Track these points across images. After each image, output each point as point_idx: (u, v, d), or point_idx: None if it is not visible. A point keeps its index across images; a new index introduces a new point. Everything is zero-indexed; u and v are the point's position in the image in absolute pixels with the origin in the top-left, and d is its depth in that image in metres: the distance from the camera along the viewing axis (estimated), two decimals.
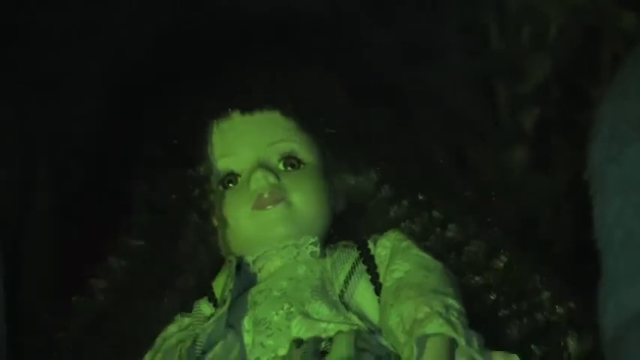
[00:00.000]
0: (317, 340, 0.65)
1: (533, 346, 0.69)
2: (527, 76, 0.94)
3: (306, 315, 0.66)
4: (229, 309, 0.67)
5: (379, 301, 0.68)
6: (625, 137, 0.67)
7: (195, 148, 0.75)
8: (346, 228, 0.77)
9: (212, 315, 0.68)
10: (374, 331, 0.66)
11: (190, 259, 0.75)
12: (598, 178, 0.68)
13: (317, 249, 0.72)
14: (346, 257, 0.72)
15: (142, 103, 0.83)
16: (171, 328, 0.71)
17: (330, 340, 0.64)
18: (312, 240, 0.73)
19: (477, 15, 0.93)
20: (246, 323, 0.68)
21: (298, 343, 0.65)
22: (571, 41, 0.90)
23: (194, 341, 0.65)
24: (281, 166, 0.74)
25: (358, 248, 0.72)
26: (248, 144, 0.74)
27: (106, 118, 0.94)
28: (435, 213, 0.75)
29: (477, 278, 0.72)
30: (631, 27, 0.88)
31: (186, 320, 0.72)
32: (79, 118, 0.94)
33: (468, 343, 0.60)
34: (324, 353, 0.64)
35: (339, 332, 0.65)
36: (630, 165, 0.66)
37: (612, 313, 0.66)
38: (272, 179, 0.71)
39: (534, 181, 0.89)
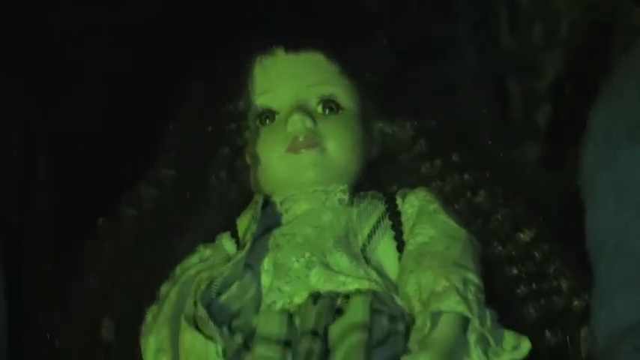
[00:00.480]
0: (333, 297, 0.65)
1: (546, 332, 0.69)
2: (540, 74, 0.94)
3: (327, 266, 0.67)
4: (249, 250, 0.67)
5: (399, 258, 0.69)
6: (617, 143, 0.66)
7: (236, 82, 0.74)
8: (377, 178, 0.77)
9: (232, 257, 0.68)
10: (390, 288, 0.66)
11: (219, 193, 0.76)
12: (590, 182, 0.68)
13: (345, 197, 0.72)
14: (373, 210, 0.72)
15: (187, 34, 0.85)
16: (192, 259, 0.72)
17: (346, 297, 0.65)
18: (341, 187, 0.73)
19: (489, 12, 0.94)
20: (266, 264, 0.69)
21: (315, 298, 0.65)
22: (582, 38, 0.91)
23: (210, 283, 0.65)
24: (319, 109, 0.74)
25: (386, 202, 0.72)
26: (289, 83, 0.75)
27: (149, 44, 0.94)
28: (467, 176, 0.74)
29: (500, 249, 0.72)
30: None
31: (207, 252, 0.73)
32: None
33: (482, 323, 0.61)
34: (339, 310, 0.64)
35: (357, 291, 0.65)
36: (623, 171, 0.66)
37: (605, 322, 0.66)
38: (309, 123, 0.71)
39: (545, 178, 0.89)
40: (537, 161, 0.94)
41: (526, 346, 0.64)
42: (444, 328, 0.61)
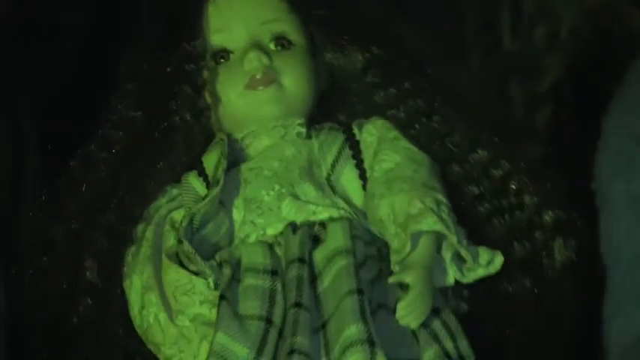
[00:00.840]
0: (310, 225, 0.70)
1: (515, 244, 0.73)
2: (542, 76, 0.99)
3: (295, 196, 0.71)
4: (221, 187, 0.70)
5: (363, 186, 0.73)
6: (632, 153, 0.69)
7: (191, 22, 0.78)
8: (330, 109, 0.81)
9: (207, 194, 0.71)
10: (359, 215, 0.71)
11: (183, 133, 0.78)
12: (605, 191, 0.71)
13: (303, 130, 0.76)
14: (333, 141, 0.76)
15: None
16: (162, 200, 0.75)
17: (322, 224, 0.70)
18: (298, 121, 0.77)
19: (492, 15, 0.99)
20: (236, 200, 0.72)
21: (294, 228, 0.70)
22: (583, 41, 0.95)
23: (191, 219, 0.68)
24: (272, 46, 0.78)
25: (344, 132, 0.77)
26: (242, 21, 0.78)
27: None
28: (421, 102, 0.78)
29: (458, 169, 0.76)
30: None
31: (175, 191, 0.76)
32: None
33: (459, 240, 0.66)
34: (317, 238, 0.69)
35: (331, 219, 0.70)
36: (638, 181, 0.71)
37: (619, 332, 0.69)
38: (265, 60, 0.75)
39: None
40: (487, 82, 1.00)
41: (499, 260, 0.68)
42: (423, 248, 0.66)
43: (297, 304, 0.66)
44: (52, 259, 0.76)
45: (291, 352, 0.63)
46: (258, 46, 0.76)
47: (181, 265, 0.69)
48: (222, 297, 0.67)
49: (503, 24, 0.98)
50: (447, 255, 0.69)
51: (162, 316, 0.70)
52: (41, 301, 0.74)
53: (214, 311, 0.68)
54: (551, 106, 0.98)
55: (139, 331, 0.72)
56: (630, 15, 0.93)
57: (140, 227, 0.75)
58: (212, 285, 0.67)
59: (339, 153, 0.76)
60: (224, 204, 0.72)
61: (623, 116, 0.73)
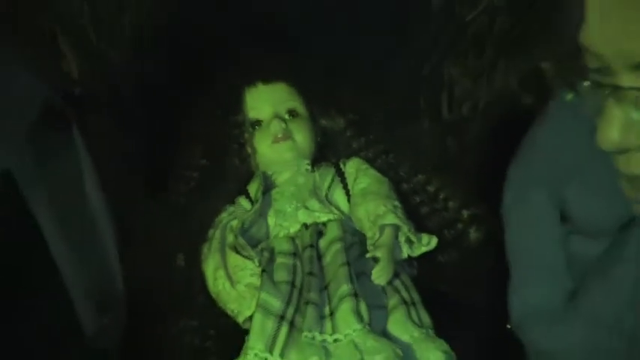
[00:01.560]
0: (316, 224, 1.01)
1: (445, 231, 1.03)
2: (467, 131, 1.28)
3: (307, 208, 1.03)
4: (260, 204, 1.02)
5: (349, 200, 1.05)
6: (525, 194, 0.87)
7: (236, 103, 1.11)
8: (324, 153, 1.13)
9: (251, 209, 1.03)
10: (346, 218, 1.03)
11: (235, 172, 1.11)
12: (507, 216, 0.89)
13: (309, 167, 1.09)
14: (327, 173, 1.10)
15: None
16: (223, 214, 1.08)
17: (324, 224, 1.01)
18: (306, 162, 1.09)
19: (434, 96, 1.30)
20: (270, 212, 1.05)
21: (306, 226, 1.01)
22: (495, 112, 1.22)
23: (242, 224, 1.01)
24: (287, 116, 1.09)
25: (334, 167, 1.10)
26: (268, 102, 1.10)
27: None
28: (381, 147, 1.12)
29: (406, 186, 1.09)
30: None
31: (231, 208, 1.09)
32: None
33: (409, 230, 0.96)
34: (321, 232, 1.00)
35: (330, 220, 1.01)
36: (524, 211, 0.89)
37: (516, 306, 0.87)
38: (283, 125, 1.08)
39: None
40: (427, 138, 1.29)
41: (434, 241, 0.98)
42: (387, 235, 0.96)
43: (310, 273, 0.92)
44: (157, 254, 1.03)
45: (307, 302, 0.88)
46: (278, 117, 1.08)
47: (237, 252, 0.99)
48: (263, 271, 0.94)
49: (443, 101, 1.24)
50: (401, 239, 0.96)
51: (227, 284, 0.98)
52: (153, 278, 1.01)
53: (259, 280, 0.94)
54: (474, 150, 1.25)
55: (213, 295, 1.00)
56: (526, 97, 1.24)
57: (211, 231, 1.06)
58: (257, 264, 0.96)
59: (332, 180, 1.08)
60: (262, 215, 1.04)
61: (520, 167, 0.91)
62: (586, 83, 0.64)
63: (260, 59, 1.12)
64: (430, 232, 0.99)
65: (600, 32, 0.59)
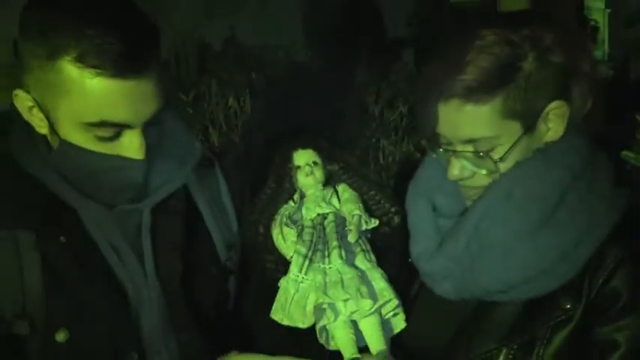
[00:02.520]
0: (324, 214, 1.45)
1: (382, 218, 1.41)
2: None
3: (320, 206, 1.42)
4: (299, 206, 1.42)
5: (339, 202, 1.45)
6: (414, 202, 1.35)
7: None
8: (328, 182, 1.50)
9: (295, 206, 1.49)
10: (338, 211, 1.43)
11: (288, 191, 1.47)
12: (408, 210, 1.35)
13: (322, 187, 1.50)
14: (329, 190, 1.48)
15: None
16: (282, 208, 1.45)
17: (327, 214, 1.45)
18: (320, 186, 1.46)
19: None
20: (303, 208, 1.44)
21: (319, 215, 1.46)
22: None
23: (290, 213, 1.45)
24: (313, 165, 1.46)
25: (333, 188, 1.49)
26: (306, 161, 1.49)
27: None
28: (354, 178, 1.47)
29: (365, 197, 1.45)
30: None
31: (286, 205, 1.47)
32: None
33: (365, 217, 1.44)
34: (326, 217, 1.44)
35: (330, 212, 1.46)
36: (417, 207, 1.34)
37: (412, 252, 1.30)
38: (311, 169, 1.46)
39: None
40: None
41: (375, 222, 1.41)
42: (355, 219, 1.37)
43: (319, 237, 1.40)
44: (252, 226, 1.46)
45: (316, 250, 1.37)
46: (309, 165, 1.44)
47: (287, 226, 1.42)
48: (298, 235, 1.41)
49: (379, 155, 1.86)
50: (362, 221, 1.43)
51: (282, 241, 1.43)
52: (250, 237, 1.46)
53: (296, 239, 1.41)
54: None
55: (276, 246, 1.41)
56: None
57: (276, 216, 1.45)
58: (296, 231, 1.42)
59: (331, 194, 1.48)
60: (299, 209, 1.46)
61: (412, 185, 1.35)
62: (440, 150, 1.16)
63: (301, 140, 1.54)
64: (375, 217, 1.47)
65: (445, 126, 1.11)
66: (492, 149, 1.10)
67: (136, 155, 1.14)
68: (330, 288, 1.28)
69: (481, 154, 1.10)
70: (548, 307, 1.12)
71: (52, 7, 1.12)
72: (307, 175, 1.45)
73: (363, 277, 1.34)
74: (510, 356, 1.12)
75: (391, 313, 1.30)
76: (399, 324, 1.31)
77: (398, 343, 1.30)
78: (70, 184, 1.20)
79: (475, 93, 1.08)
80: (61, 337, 1.16)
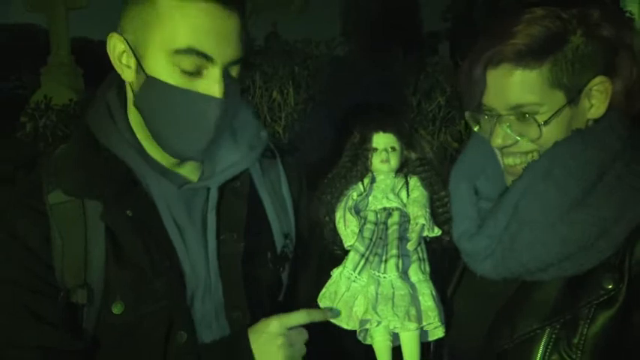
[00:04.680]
0: (389, 208, 1.32)
1: (445, 225, 1.31)
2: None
3: (387, 198, 1.33)
4: (367, 193, 1.33)
5: (408, 197, 1.34)
6: (457, 181, 1.27)
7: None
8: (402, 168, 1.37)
9: (362, 192, 1.34)
10: (403, 207, 1.32)
11: (360, 172, 1.35)
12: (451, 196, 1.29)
13: (394, 175, 1.35)
14: (400, 181, 1.35)
15: None
16: (351, 191, 1.35)
17: (392, 209, 1.32)
18: (392, 173, 1.35)
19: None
20: (371, 195, 1.34)
21: (384, 208, 1.33)
22: None
23: (354, 204, 1.33)
24: (390, 149, 1.33)
25: (404, 178, 1.35)
26: (386, 144, 1.34)
27: None
28: (429, 169, 1.35)
29: (434, 196, 1.32)
30: None
31: (354, 187, 1.34)
32: None
33: (429, 225, 1.28)
34: (390, 213, 1.32)
35: (396, 207, 1.32)
36: (461, 189, 1.26)
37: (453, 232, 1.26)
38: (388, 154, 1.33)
39: None
40: None
41: (438, 231, 1.29)
42: (419, 229, 1.27)
43: (380, 238, 1.27)
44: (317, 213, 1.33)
45: (375, 254, 1.24)
46: (386, 150, 1.31)
47: (350, 213, 1.30)
48: (359, 230, 1.28)
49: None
50: (425, 229, 1.28)
51: (343, 227, 1.30)
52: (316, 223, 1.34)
53: (357, 227, 1.28)
54: None
55: (339, 233, 1.29)
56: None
57: (342, 199, 1.32)
58: (358, 223, 1.29)
59: (402, 186, 1.33)
60: (367, 195, 1.32)
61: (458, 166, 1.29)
62: (486, 117, 1.13)
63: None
64: (439, 222, 1.33)
65: (492, 94, 1.11)
66: (535, 117, 1.12)
67: (215, 93, 1.14)
68: (381, 303, 1.22)
69: (527, 115, 1.11)
70: (590, 287, 1.09)
71: None
72: (382, 162, 1.33)
73: (413, 292, 1.25)
74: (554, 336, 1.10)
75: (432, 326, 1.26)
76: (438, 334, 1.26)
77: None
78: (146, 160, 1.22)
79: (525, 58, 1.10)
80: (117, 309, 1.17)
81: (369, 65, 3.87)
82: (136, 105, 1.19)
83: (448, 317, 1.26)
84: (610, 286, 1.07)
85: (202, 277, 1.22)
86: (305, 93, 3.36)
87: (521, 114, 1.13)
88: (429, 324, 1.23)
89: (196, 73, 1.14)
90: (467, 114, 1.19)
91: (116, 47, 1.19)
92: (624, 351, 1.08)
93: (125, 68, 1.19)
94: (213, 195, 1.25)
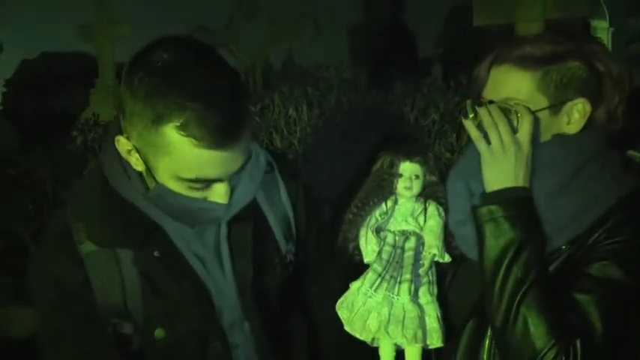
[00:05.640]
0: (407, 231, 1.29)
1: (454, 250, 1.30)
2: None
3: (406, 221, 1.30)
4: (390, 214, 1.31)
5: (425, 222, 1.30)
6: (454, 180, 1.27)
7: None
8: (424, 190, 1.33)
9: (385, 212, 1.32)
10: (420, 231, 1.29)
11: (385, 193, 1.32)
12: (447, 197, 1.29)
13: (415, 199, 1.32)
14: (419, 205, 1.31)
15: None
16: (375, 211, 1.32)
17: (410, 232, 1.29)
18: (414, 198, 1.32)
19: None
20: (392, 216, 1.31)
21: (402, 232, 1.29)
22: None
23: (376, 224, 1.30)
24: (414, 177, 1.31)
25: (423, 204, 1.31)
26: (412, 172, 1.32)
27: None
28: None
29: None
30: None
31: (378, 207, 1.32)
32: None
33: (440, 253, 1.28)
34: (408, 238, 1.29)
35: (414, 231, 1.28)
36: (457, 186, 1.25)
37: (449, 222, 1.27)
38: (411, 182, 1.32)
39: None
40: None
41: (449, 259, 1.28)
42: (431, 257, 1.26)
43: (396, 261, 1.24)
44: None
45: (391, 276, 1.22)
46: (411, 178, 1.28)
47: (372, 233, 1.27)
48: (378, 252, 1.26)
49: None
50: (437, 257, 1.27)
51: (364, 244, 1.29)
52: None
53: (376, 247, 1.26)
54: None
55: (359, 246, 1.29)
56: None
57: (368, 219, 1.30)
58: (377, 243, 1.27)
59: (420, 211, 1.30)
60: (389, 216, 1.30)
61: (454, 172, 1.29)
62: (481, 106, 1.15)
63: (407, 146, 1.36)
64: (450, 249, 1.30)
65: (489, 88, 1.17)
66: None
67: (222, 200, 1.11)
68: (392, 324, 1.21)
69: (512, 103, 1.15)
70: (554, 254, 1.15)
71: (160, 73, 1.03)
72: (406, 188, 1.29)
73: (421, 315, 1.24)
74: None
75: (434, 345, 1.25)
76: (437, 344, 1.25)
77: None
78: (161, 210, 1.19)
79: (525, 62, 1.15)
80: (159, 334, 1.18)
81: (371, 86, 3.88)
82: (148, 196, 1.14)
83: (444, 303, 1.27)
84: (564, 247, 1.14)
85: (226, 295, 1.23)
86: (317, 110, 3.36)
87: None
88: (432, 343, 1.23)
89: (205, 187, 1.10)
90: (468, 102, 1.20)
91: (125, 146, 1.11)
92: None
93: (135, 161, 1.12)
94: (223, 229, 1.23)
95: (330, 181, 1.47)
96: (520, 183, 1.13)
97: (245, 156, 1.11)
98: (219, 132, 1.03)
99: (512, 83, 1.16)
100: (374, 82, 4.06)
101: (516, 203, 1.13)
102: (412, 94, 3.51)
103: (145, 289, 1.16)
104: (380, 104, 3.42)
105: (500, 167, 1.14)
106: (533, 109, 1.14)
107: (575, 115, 1.16)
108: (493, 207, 1.12)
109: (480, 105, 1.17)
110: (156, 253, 1.16)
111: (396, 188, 1.31)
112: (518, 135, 1.14)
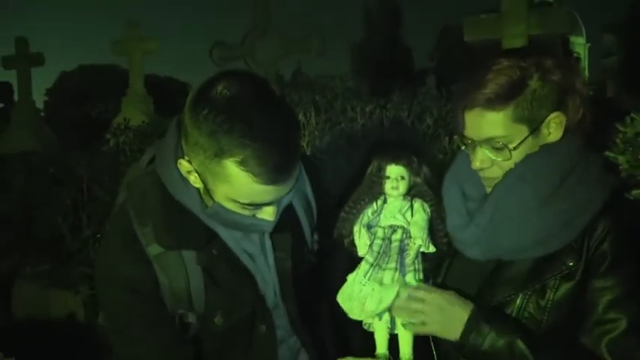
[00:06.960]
0: (395, 225, 1.25)
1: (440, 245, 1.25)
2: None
3: (394, 217, 1.26)
4: (379, 211, 1.27)
5: (412, 217, 1.26)
6: (449, 188, 1.24)
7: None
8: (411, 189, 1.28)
9: (375, 210, 1.28)
10: (407, 225, 1.25)
11: (376, 194, 1.27)
12: (443, 196, 1.25)
13: (402, 197, 1.28)
14: (406, 202, 1.26)
15: None
16: (367, 208, 1.28)
17: (397, 226, 1.26)
18: (401, 197, 1.27)
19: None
20: (381, 214, 1.27)
21: (390, 225, 1.26)
22: None
23: (368, 221, 1.27)
24: (400, 179, 1.26)
25: (410, 201, 1.28)
26: (402, 175, 1.26)
27: None
28: (433, 193, 1.26)
29: (434, 214, 1.25)
30: None
31: (370, 206, 1.28)
32: None
33: (425, 243, 1.23)
34: (395, 230, 1.25)
35: (401, 224, 1.26)
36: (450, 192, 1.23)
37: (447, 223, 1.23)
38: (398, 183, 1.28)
39: None
40: None
41: (433, 249, 1.23)
42: (416, 247, 1.20)
43: (384, 252, 1.21)
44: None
45: (379, 265, 1.19)
46: (397, 179, 1.24)
47: (364, 230, 1.24)
48: (370, 245, 1.23)
49: None
50: (422, 246, 1.22)
51: (358, 239, 1.26)
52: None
53: (368, 241, 1.23)
54: None
55: (355, 244, 1.25)
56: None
57: (361, 217, 1.25)
58: (369, 238, 1.24)
59: (407, 207, 1.26)
60: (378, 214, 1.26)
61: (446, 177, 1.26)
62: (467, 143, 1.15)
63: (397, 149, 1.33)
64: (435, 239, 1.28)
65: (469, 129, 1.12)
66: (506, 145, 1.14)
67: (270, 218, 1.15)
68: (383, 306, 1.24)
69: (499, 144, 1.13)
70: (556, 264, 1.13)
71: (223, 111, 1.03)
72: (393, 188, 1.29)
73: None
74: (526, 300, 1.14)
75: None
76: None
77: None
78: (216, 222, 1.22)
79: (493, 103, 1.12)
80: (218, 321, 1.22)
81: (373, 94, 3.86)
82: (206, 211, 1.16)
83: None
84: (571, 264, 1.11)
85: (269, 283, 1.26)
86: (324, 115, 3.34)
87: (495, 143, 1.14)
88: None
89: (256, 208, 1.13)
90: (455, 137, 1.19)
91: (186, 168, 1.12)
92: (578, 309, 1.12)
93: (194, 179, 1.13)
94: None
95: (335, 181, 1.45)
96: (464, 321, 1.13)
97: (294, 182, 1.12)
98: (275, 170, 1.05)
99: (489, 125, 1.13)
100: (375, 91, 4.04)
101: (478, 335, 1.12)
102: (409, 102, 3.48)
103: (207, 282, 1.21)
104: (379, 109, 3.40)
105: (445, 328, 1.16)
106: (518, 139, 1.12)
107: (553, 126, 1.15)
108: (469, 352, 1.13)
109: (465, 145, 1.18)
110: (214, 252, 1.20)
111: (384, 188, 1.31)
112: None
